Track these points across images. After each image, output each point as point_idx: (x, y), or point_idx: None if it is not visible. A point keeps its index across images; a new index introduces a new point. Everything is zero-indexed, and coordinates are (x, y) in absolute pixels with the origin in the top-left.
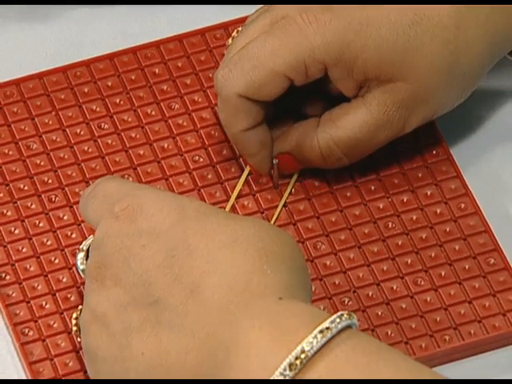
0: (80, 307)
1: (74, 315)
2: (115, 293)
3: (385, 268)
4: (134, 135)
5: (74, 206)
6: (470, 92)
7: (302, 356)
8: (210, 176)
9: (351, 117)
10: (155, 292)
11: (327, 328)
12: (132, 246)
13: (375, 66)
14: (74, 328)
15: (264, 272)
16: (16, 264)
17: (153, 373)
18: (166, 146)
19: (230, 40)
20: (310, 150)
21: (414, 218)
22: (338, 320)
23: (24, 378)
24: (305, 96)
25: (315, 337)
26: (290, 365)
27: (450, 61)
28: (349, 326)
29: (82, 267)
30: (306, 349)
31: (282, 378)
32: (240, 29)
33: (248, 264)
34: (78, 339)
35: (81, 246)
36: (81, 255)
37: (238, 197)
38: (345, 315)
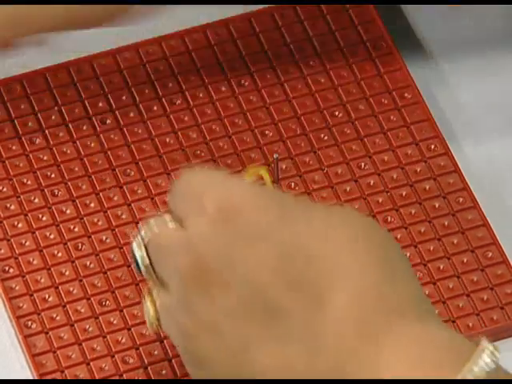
0: (150, 296)
1: (148, 306)
2: (225, 300)
3: None
4: (136, 130)
5: (77, 200)
6: None
7: None
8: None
9: None
10: (273, 301)
11: (472, 371)
12: (235, 249)
13: None
14: (152, 320)
15: (393, 281)
16: (19, 257)
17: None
18: (167, 140)
19: None
20: None
21: (413, 211)
22: (482, 363)
23: (27, 370)
24: None
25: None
26: None
27: None
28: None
29: (143, 264)
30: None
31: None
32: None
33: (375, 271)
34: (151, 324)
35: (135, 242)
36: (140, 254)
37: None
38: (491, 353)
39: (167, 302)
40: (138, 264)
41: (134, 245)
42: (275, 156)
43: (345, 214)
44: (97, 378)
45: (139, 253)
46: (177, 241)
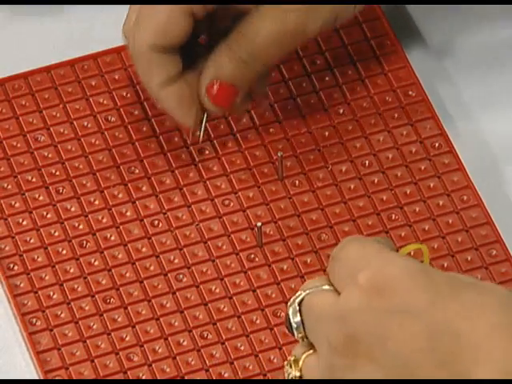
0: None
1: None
2: (371, 371)
3: None
4: (140, 128)
5: (82, 198)
6: None
7: None
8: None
9: (254, 25)
10: (419, 377)
11: None
12: (387, 323)
13: None
14: (293, 377)
15: None
16: (24, 255)
17: None
18: (172, 138)
19: None
20: (227, 62)
21: (417, 209)
22: None
23: (31, 367)
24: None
25: None
26: None
27: None
28: None
29: (297, 330)
30: None
31: None
32: None
33: None
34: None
35: (291, 308)
36: (296, 320)
37: (241, 188)
38: None
39: (312, 365)
40: (291, 325)
41: (291, 310)
42: (279, 154)
43: (495, 295)
44: (101, 375)
45: (295, 319)
46: (332, 312)
